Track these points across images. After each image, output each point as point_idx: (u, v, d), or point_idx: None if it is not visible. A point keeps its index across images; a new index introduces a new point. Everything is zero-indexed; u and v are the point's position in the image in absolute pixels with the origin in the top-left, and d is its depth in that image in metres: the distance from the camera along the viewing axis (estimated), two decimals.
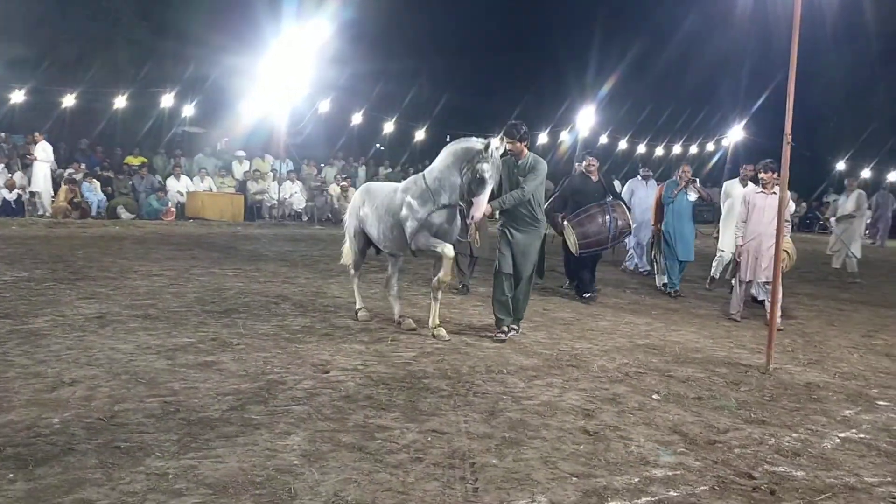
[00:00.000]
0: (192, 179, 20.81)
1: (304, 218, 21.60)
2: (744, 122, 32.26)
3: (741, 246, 8.85)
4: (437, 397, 5.20)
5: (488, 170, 6.59)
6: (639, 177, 13.43)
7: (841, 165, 32.86)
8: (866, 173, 30.96)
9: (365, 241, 7.78)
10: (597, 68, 29.22)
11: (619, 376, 6.04)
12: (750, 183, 10.46)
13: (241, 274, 10.58)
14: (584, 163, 10.31)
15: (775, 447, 4.53)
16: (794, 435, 4.78)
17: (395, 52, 24.48)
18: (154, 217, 18.49)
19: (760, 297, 9.17)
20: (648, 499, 3.70)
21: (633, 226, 10.73)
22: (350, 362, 6.01)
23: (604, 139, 28.55)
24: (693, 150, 32.41)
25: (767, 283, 8.37)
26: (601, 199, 9.71)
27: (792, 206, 9.20)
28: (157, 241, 14.37)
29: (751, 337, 7.99)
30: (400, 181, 27.21)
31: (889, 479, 4.10)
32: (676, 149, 32.16)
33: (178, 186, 20.23)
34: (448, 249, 6.78)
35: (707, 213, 10.63)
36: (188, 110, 23.17)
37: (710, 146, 33.15)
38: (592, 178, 10.03)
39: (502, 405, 5.09)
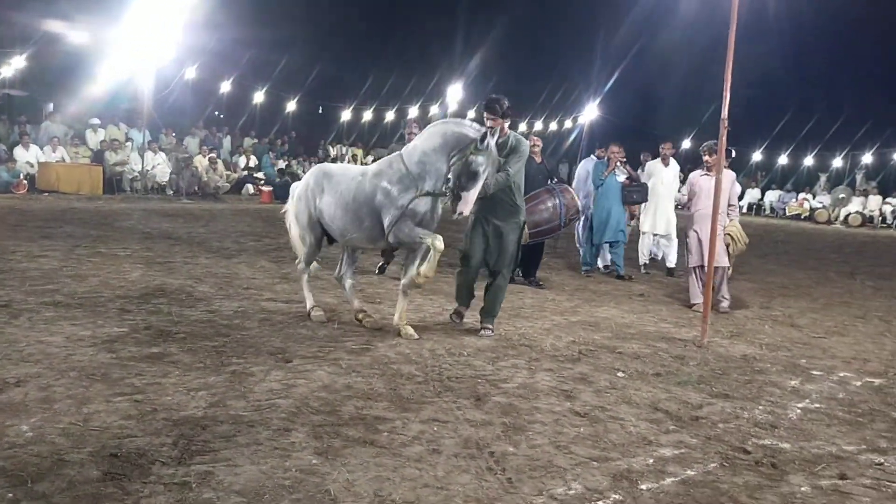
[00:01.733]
0: (42, 149, 19.07)
1: (170, 191, 20.39)
2: (598, 101, 33.70)
3: (689, 231, 8.69)
4: (415, 384, 5.08)
5: (483, 163, 5.89)
6: (593, 156, 11.87)
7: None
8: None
9: (321, 232, 6.77)
10: (464, 43, 29.46)
11: (574, 355, 6.16)
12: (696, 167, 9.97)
13: (134, 254, 9.85)
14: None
15: (752, 420, 4.79)
16: (761, 407, 5.08)
17: (267, 19, 23.47)
18: (4, 190, 16.81)
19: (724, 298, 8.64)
20: (672, 479, 3.81)
21: (589, 210, 10.56)
22: (307, 350, 5.75)
23: (471, 114, 28.83)
24: (553, 126, 33.44)
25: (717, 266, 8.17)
26: (545, 182, 9.20)
27: (738, 189, 9.28)
28: (18, 218, 13.08)
29: (667, 312, 8.39)
30: (268, 153, 26.11)
31: (864, 446, 4.44)
32: (538, 125, 33.08)
33: (27, 157, 18.48)
34: (438, 241, 6.04)
35: (637, 195, 10.29)
36: (7, 70, 20.94)
37: (567, 123, 34.34)
38: (536, 159, 9.39)
39: (483, 389, 5.06)
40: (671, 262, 11.41)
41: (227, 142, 24.28)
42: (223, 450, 3.78)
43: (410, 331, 6.35)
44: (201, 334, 5.98)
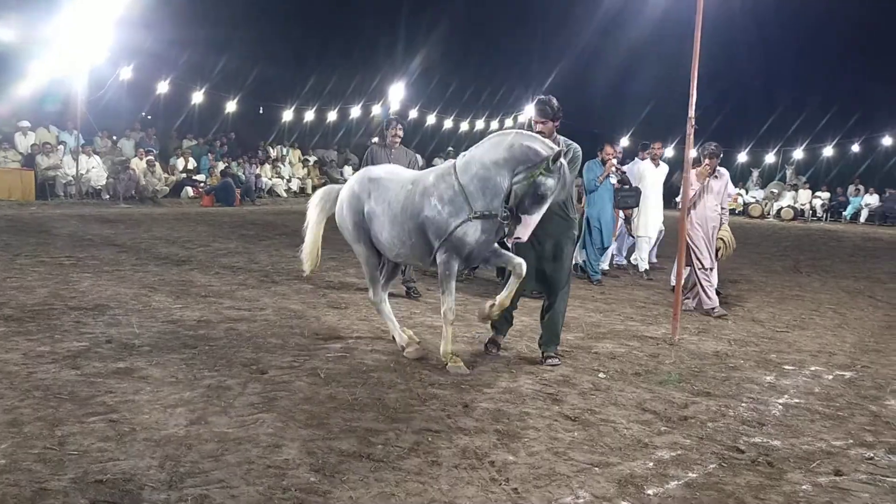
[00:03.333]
0: None
1: (106, 196, 19.65)
2: (536, 101, 33.94)
3: (689, 233, 8.24)
4: (399, 392, 4.96)
5: (552, 187, 5.11)
6: None
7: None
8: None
9: (371, 242, 5.96)
10: (407, 42, 29.29)
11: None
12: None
13: (79, 262, 9.44)
14: None
15: (738, 418, 4.81)
16: (744, 405, 5.11)
17: (206, 19, 22.85)
18: None
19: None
20: (676, 482, 3.77)
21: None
22: (281, 359, 5.56)
23: (413, 113, 28.73)
24: (494, 125, 33.55)
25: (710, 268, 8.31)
26: None
27: (733, 190, 9.18)
28: None
29: (632, 310, 8.43)
30: (207, 155, 25.30)
31: (851, 441, 4.49)
32: (479, 124, 33.16)
33: None
34: (521, 266, 5.36)
35: (631, 199, 9.76)
36: None
37: (508, 122, 34.51)
38: None
39: (469, 396, 4.96)
40: (652, 261, 11.47)
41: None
42: (213, 470, 3.59)
43: (462, 365, 5.53)
44: (167, 346, 5.73)
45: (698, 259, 8.31)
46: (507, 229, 5.30)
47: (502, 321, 6.05)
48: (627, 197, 9.91)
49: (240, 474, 3.57)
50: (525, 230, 5.18)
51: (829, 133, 30.47)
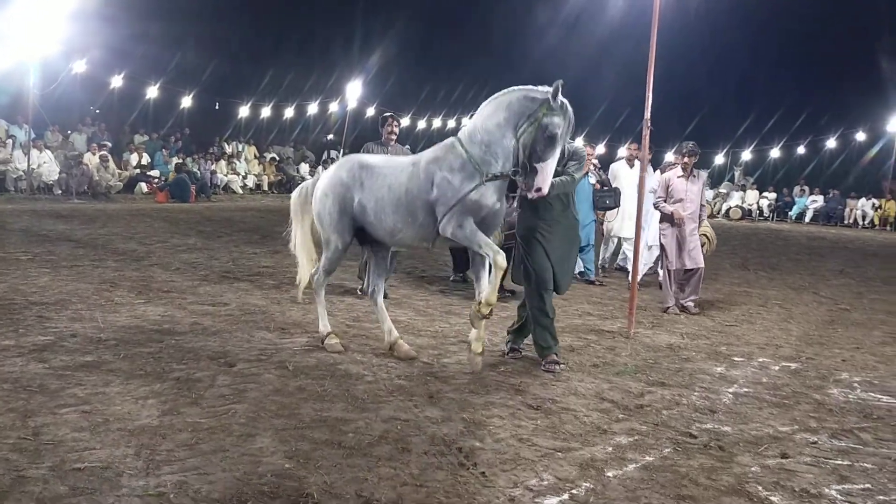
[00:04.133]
0: None
1: (58, 191, 19.29)
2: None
3: (663, 232, 8.42)
4: (366, 383, 5.08)
5: (560, 124, 5.04)
6: None
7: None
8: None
9: (352, 236, 5.87)
10: (364, 40, 29.33)
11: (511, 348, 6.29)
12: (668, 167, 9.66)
13: (37, 258, 9.34)
14: None
15: (691, 406, 5.05)
16: (696, 394, 5.35)
17: (162, 14, 22.56)
18: None
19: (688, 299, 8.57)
20: (634, 465, 3.98)
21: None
22: (248, 353, 5.64)
23: (371, 111, 28.75)
24: (451, 123, 33.75)
25: (694, 269, 8.35)
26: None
27: (709, 194, 9.20)
28: None
29: (589, 305, 8.66)
30: (161, 150, 24.92)
31: (797, 426, 4.76)
32: (436, 122, 33.33)
33: None
34: (501, 258, 5.17)
35: (610, 200, 9.43)
36: None
37: (465, 120, 34.74)
38: None
39: (434, 387, 5.11)
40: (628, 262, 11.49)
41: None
42: (189, 458, 3.68)
43: (479, 359, 5.48)
44: (133, 340, 5.76)
45: (668, 259, 8.44)
46: (525, 184, 5.24)
47: (518, 333, 5.98)
48: (606, 197, 9.76)
49: (215, 461, 3.66)
50: (544, 180, 5.07)
51: (776, 135, 31.45)
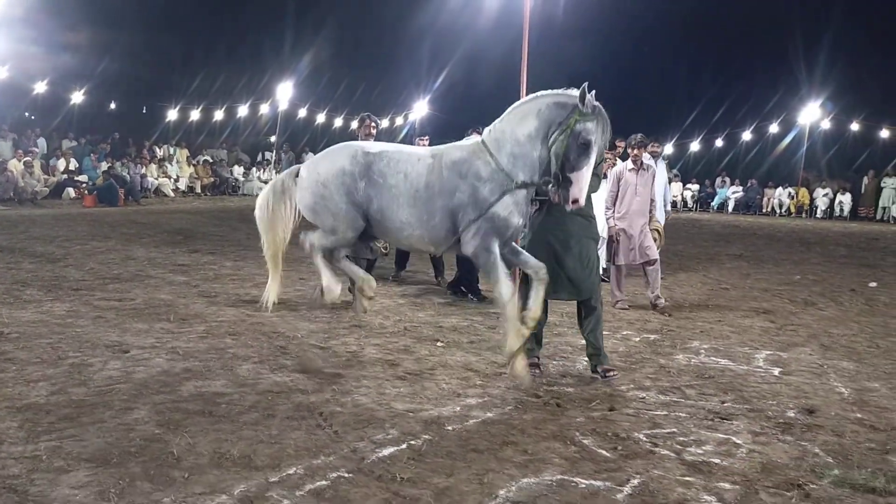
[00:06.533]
0: None
1: None
2: (427, 99, 34.81)
3: (613, 227, 8.30)
4: (252, 364, 5.53)
5: (593, 129, 4.79)
6: None
7: None
8: None
9: (365, 222, 5.33)
10: (294, 42, 29.52)
11: (399, 330, 6.81)
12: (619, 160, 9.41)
13: None
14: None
15: (547, 373, 5.62)
16: (555, 362, 5.94)
17: (86, 19, 22.47)
18: None
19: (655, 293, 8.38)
20: (475, 420, 4.51)
21: None
22: (143, 341, 6.03)
23: (303, 112, 29.01)
24: (385, 123, 34.13)
25: (648, 263, 8.23)
26: None
27: (676, 187, 9.24)
28: None
29: (485, 288, 9.21)
30: (89, 155, 24.56)
31: (632, 386, 5.36)
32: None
33: None
34: (543, 270, 5.05)
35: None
36: None
37: (399, 120, 35.20)
38: None
39: (317, 364, 5.58)
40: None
41: (42, 142, 23.06)
42: (68, 429, 4.08)
43: (525, 373, 5.12)
44: (35, 333, 6.09)
45: (616, 254, 8.37)
46: (559, 196, 5.04)
47: (533, 342, 5.53)
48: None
49: (92, 431, 4.07)
50: (580, 190, 4.82)
51: (696, 129, 32.65)
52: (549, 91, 5.04)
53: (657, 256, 8.37)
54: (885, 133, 29.55)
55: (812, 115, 30.46)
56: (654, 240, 8.38)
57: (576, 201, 4.84)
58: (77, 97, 23.08)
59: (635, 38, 31.02)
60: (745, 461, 4.04)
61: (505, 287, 5.00)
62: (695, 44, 32.35)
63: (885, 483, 3.78)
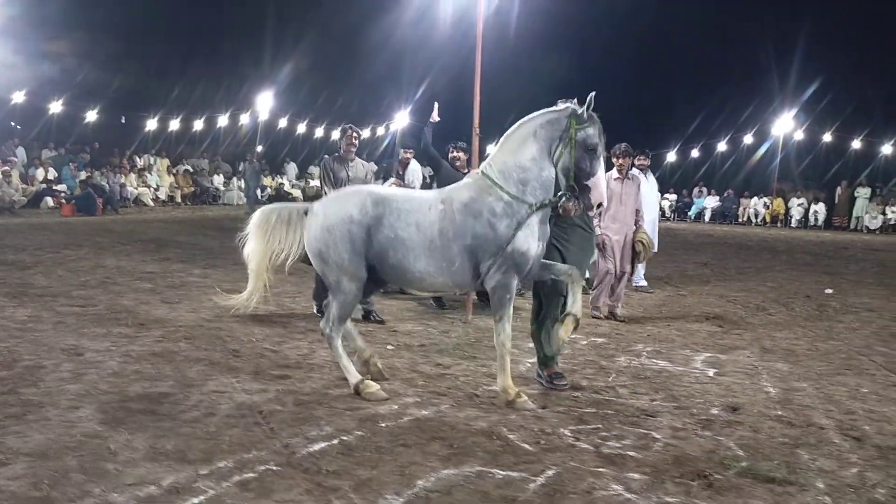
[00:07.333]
0: None
1: None
2: (409, 109, 35.09)
3: (602, 237, 8.17)
4: (202, 366, 5.70)
5: (595, 133, 4.94)
6: None
7: None
8: None
9: (366, 273, 5.21)
10: (274, 52, 29.74)
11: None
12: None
13: None
14: (449, 154, 8.61)
15: (487, 374, 5.82)
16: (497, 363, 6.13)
17: (65, 29, 22.59)
18: None
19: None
20: (409, 418, 4.71)
21: None
22: (99, 345, 6.18)
23: (283, 122, 29.19)
24: (366, 133, 34.36)
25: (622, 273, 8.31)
26: None
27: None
28: None
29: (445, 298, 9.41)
30: (68, 164, 24.66)
31: (569, 386, 5.58)
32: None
33: None
34: (575, 271, 5.18)
35: None
36: None
37: (380, 130, 35.45)
38: (462, 169, 8.27)
39: (265, 365, 5.76)
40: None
41: (20, 152, 23.15)
42: (13, 426, 4.24)
43: (526, 400, 5.07)
44: None
45: (609, 262, 8.34)
46: (581, 204, 5.11)
47: (540, 347, 5.75)
48: None
49: (36, 427, 4.24)
50: (600, 193, 4.97)
51: (672, 139, 33.10)
52: (536, 113, 5.12)
53: (629, 270, 8.47)
54: (856, 144, 30.10)
55: (785, 126, 31.02)
56: (638, 252, 8.41)
57: (600, 205, 5.03)
58: (56, 107, 23.17)
59: (609, 50, 31.43)
60: (658, 454, 4.25)
61: (509, 326, 5.14)
62: (670, 55, 32.79)
63: (785, 474, 3.99)
